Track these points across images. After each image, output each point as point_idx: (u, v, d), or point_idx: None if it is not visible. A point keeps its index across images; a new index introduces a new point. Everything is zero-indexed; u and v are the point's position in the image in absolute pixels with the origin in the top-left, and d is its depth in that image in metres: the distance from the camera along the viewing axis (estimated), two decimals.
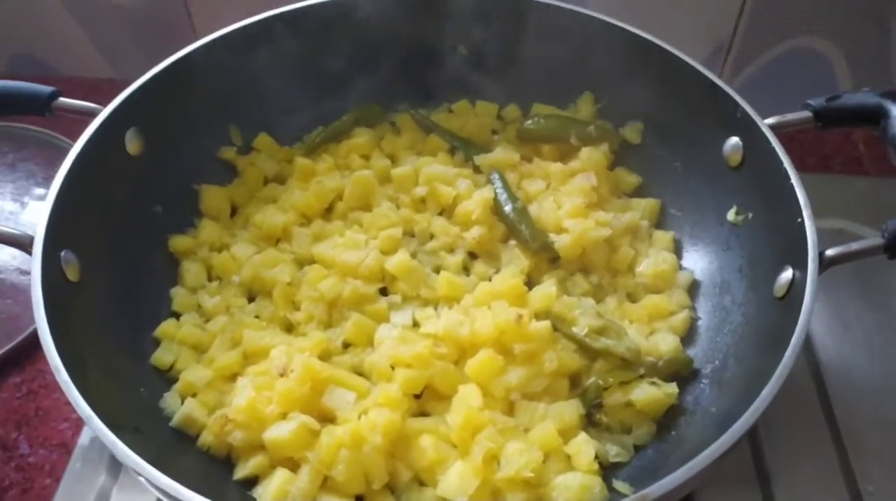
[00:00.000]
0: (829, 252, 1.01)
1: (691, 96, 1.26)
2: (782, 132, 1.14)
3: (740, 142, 1.19)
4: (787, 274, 1.05)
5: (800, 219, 1.03)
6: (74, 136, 1.14)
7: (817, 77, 1.67)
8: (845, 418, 1.22)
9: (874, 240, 1.02)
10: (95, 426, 0.84)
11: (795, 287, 1.02)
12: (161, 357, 1.13)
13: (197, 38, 1.29)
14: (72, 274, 1.04)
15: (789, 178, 1.07)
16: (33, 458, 1.20)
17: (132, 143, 1.21)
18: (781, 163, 1.09)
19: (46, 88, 1.15)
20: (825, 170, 1.63)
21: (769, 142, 1.12)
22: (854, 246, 1.02)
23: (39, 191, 1.56)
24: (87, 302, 1.06)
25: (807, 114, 1.15)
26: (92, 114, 1.16)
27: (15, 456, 1.20)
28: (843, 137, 1.69)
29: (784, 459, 1.17)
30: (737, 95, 1.19)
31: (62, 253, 1.04)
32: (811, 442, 1.20)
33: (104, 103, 1.18)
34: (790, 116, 1.16)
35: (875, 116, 1.13)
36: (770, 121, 1.15)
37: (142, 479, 0.82)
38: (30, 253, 0.99)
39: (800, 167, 1.10)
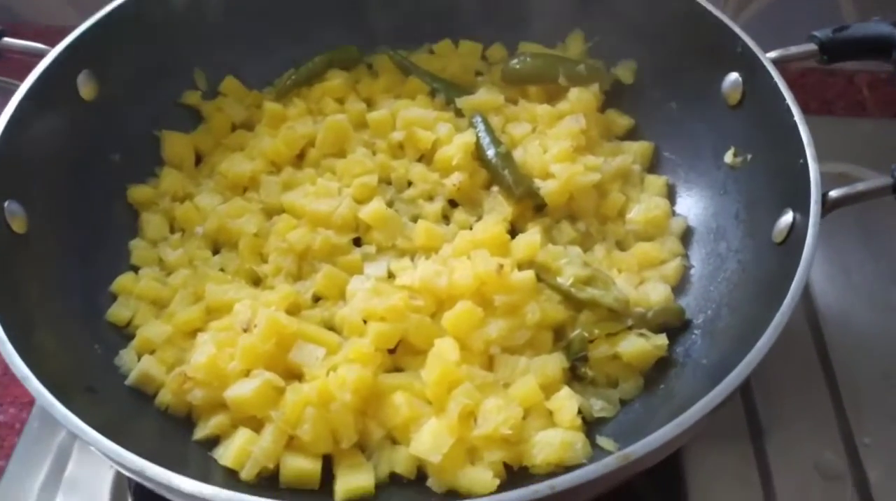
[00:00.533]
0: (833, 193, 0.95)
1: (688, 31, 1.18)
2: (785, 67, 1.07)
3: (740, 79, 1.12)
4: (788, 217, 0.98)
5: (802, 160, 0.96)
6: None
7: (824, 14, 1.58)
8: (843, 369, 1.17)
9: (882, 180, 0.96)
10: (33, 387, 0.79)
11: (796, 231, 0.96)
12: (118, 312, 1.08)
13: None
14: (17, 225, 0.99)
15: (792, 116, 1.01)
16: (2, 417, 1.17)
17: (86, 87, 1.13)
18: (784, 99, 1.03)
19: None
20: (827, 114, 1.56)
21: (771, 78, 1.05)
22: (860, 186, 0.96)
23: None
24: (36, 255, 1.00)
25: (812, 46, 1.09)
26: (40, 56, 1.08)
27: None
28: (846, 80, 1.63)
29: (778, 411, 1.13)
30: (737, 27, 1.11)
31: (6, 204, 0.98)
32: (807, 393, 1.16)
33: None
34: (794, 49, 1.09)
35: (887, 47, 1.06)
36: (772, 54, 1.08)
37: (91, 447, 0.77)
38: None
39: (801, 110, 1.03)
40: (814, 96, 1.59)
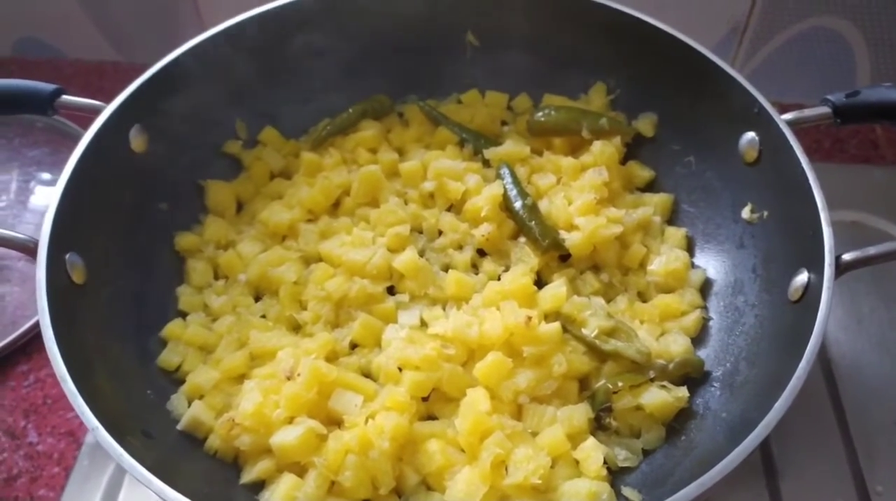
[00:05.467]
0: (846, 256, 1.00)
1: (707, 89, 1.23)
2: (800, 128, 1.11)
3: (756, 138, 1.17)
4: (803, 277, 1.03)
5: (816, 224, 1.00)
6: (79, 121, 1.13)
7: (835, 58, 1.64)
8: (856, 416, 1.21)
9: (892, 244, 1.00)
10: (102, 437, 0.85)
11: (811, 291, 1.01)
12: (168, 358, 1.13)
13: (202, 24, 1.27)
14: (77, 276, 1.04)
15: (807, 178, 1.05)
16: (42, 446, 1.21)
17: (136, 140, 1.19)
18: (799, 161, 1.07)
19: (48, 87, 1.13)
20: (841, 154, 1.60)
21: (787, 140, 1.09)
22: (871, 250, 1.00)
23: (46, 175, 1.55)
24: (93, 304, 1.05)
25: (826, 109, 1.13)
26: (95, 112, 1.14)
27: (23, 445, 1.21)
28: None
29: (792, 455, 1.16)
30: (755, 90, 1.16)
31: (67, 257, 1.03)
32: (820, 439, 1.19)
33: (109, 88, 1.17)
34: (808, 112, 1.13)
35: None
36: (787, 116, 1.12)
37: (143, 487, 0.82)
38: (35, 257, 0.98)
39: (815, 150, 1.07)
40: (827, 135, 1.63)
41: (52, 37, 1.77)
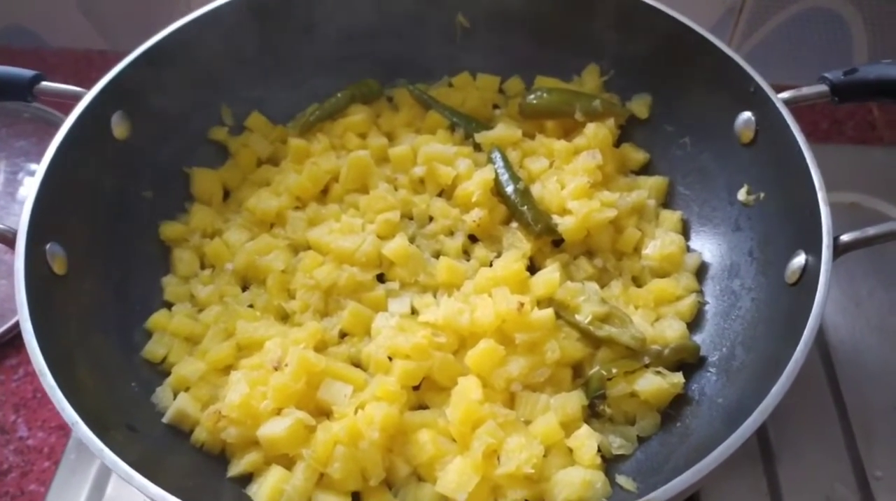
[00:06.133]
0: (845, 237, 0.98)
1: (702, 68, 1.21)
2: (797, 106, 1.09)
3: (753, 118, 1.15)
4: (800, 259, 1.01)
5: (814, 204, 0.98)
6: (67, 110, 1.10)
7: (833, 40, 1.61)
8: (854, 401, 1.19)
9: (891, 224, 0.98)
10: (82, 432, 0.83)
11: (808, 273, 0.99)
12: (153, 349, 1.11)
13: (191, 10, 1.24)
14: (58, 267, 1.02)
15: (804, 158, 1.03)
16: (32, 441, 1.20)
17: (119, 127, 1.16)
18: (796, 141, 1.05)
19: (27, 73, 1.11)
20: (838, 135, 1.59)
21: (784, 119, 1.08)
22: (870, 231, 0.98)
23: (33, 166, 1.53)
24: (75, 295, 1.03)
25: (823, 87, 1.11)
26: (76, 98, 1.11)
27: (13, 439, 1.20)
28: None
29: (790, 441, 1.15)
30: (751, 69, 1.14)
31: (48, 247, 1.01)
32: (818, 424, 1.18)
33: (96, 77, 1.14)
34: (805, 90, 1.11)
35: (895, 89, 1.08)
36: (784, 95, 1.10)
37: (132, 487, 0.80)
38: (13, 248, 0.96)
39: (812, 132, 1.06)
40: (824, 116, 1.61)
41: (38, 25, 1.74)
